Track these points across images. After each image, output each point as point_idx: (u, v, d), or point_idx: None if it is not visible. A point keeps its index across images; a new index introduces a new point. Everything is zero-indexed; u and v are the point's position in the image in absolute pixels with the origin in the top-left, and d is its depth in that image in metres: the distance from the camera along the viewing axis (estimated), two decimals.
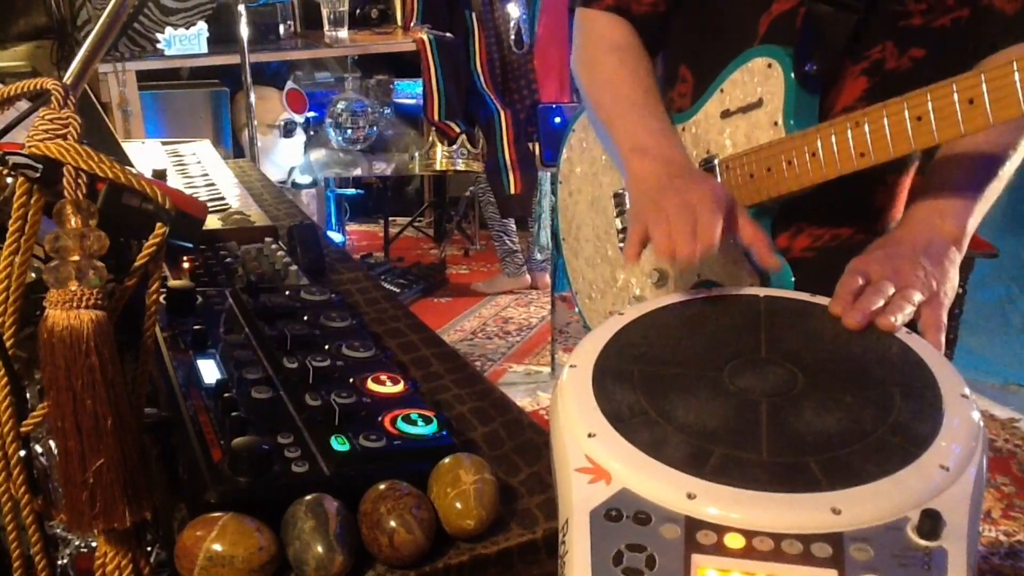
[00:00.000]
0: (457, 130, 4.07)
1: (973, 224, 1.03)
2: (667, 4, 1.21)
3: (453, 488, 0.76)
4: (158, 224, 0.71)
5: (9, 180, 0.70)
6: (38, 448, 0.78)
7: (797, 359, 0.79)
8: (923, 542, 0.60)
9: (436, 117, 4.10)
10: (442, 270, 4.63)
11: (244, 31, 3.57)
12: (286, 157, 4.16)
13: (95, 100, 1.98)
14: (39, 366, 0.68)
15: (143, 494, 0.69)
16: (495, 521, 0.78)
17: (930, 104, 0.93)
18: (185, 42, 3.75)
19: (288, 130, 4.11)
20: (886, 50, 1.09)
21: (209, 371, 0.92)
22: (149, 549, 0.78)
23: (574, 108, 3.27)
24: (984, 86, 0.89)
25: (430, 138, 4.18)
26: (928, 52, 1.09)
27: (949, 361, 0.78)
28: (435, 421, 0.84)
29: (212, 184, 1.73)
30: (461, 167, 4.16)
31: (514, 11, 4.06)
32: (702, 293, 0.93)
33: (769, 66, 1.08)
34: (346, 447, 0.79)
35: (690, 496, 0.64)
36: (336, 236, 4.56)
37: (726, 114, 1.14)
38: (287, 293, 1.10)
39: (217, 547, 0.68)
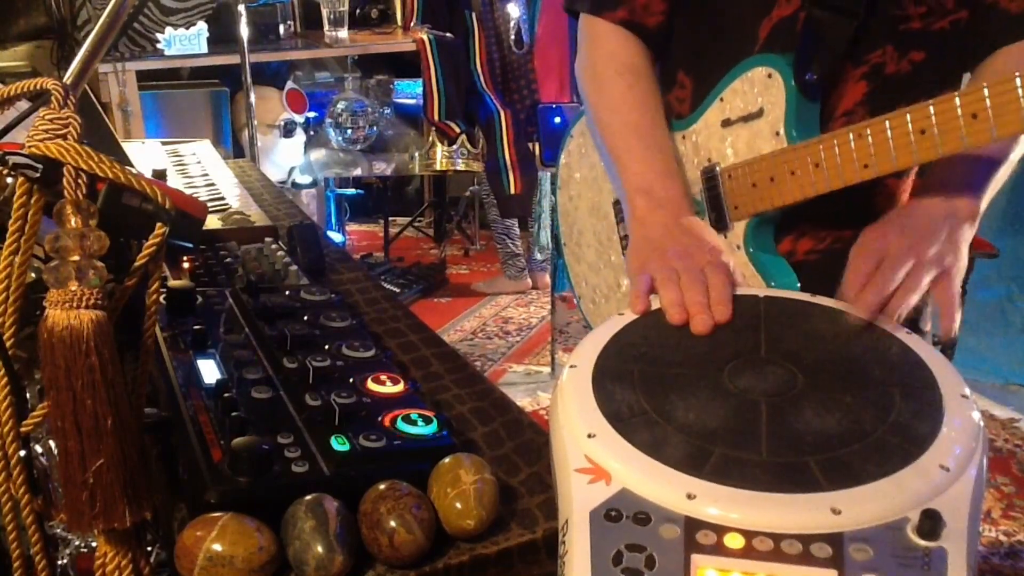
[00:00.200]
0: (457, 130, 4.08)
1: (984, 204, 1.03)
2: (673, 11, 1.19)
3: (453, 488, 0.76)
4: (158, 224, 0.71)
5: (9, 180, 0.70)
6: (38, 448, 0.78)
7: (797, 359, 0.79)
8: (923, 542, 0.60)
9: (436, 117, 4.10)
10: (442, 270, 4.63)
11: (244, 31, 3.56)
12: (286, 157, 4.16)
13: (95, 100, 1.99)
14: (39, 366, 0.68)
15: (143, 494, 0.69)
16: (495, 521, 0.78)
17: (934, 118, 0.92)
18: (185, 42, 3.75)
19: (288, 130, 4.11)
20: (886, 54, 1.08)
21: (209, 371, 0.92)
22: (149, 549, 0.78)
23: (574, 108, 3.27)
24: (987, 100, 0.88)
25: (430, 138, 4.18)
26: (928, 55, 1.08)
27: (949, 361, 0.78)
28: (435, 421, 0.84)
29: (212, 184, 1.73)
30: (461, 167, 4.16)
31: (514, 11, 4.06)
32: None
33: (769, 76, 1.08)
34: (346, 447, 0.79)
35: (690, 496, 0.64)
36: (336, 236, 4.57)
37: (727, 123, 1.14)
38: (287, 293, 1.10)
39: (217, 547, 0.68)
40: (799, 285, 1.07)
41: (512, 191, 4.09)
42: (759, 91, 1.09)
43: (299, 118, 4.14)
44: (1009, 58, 1.05)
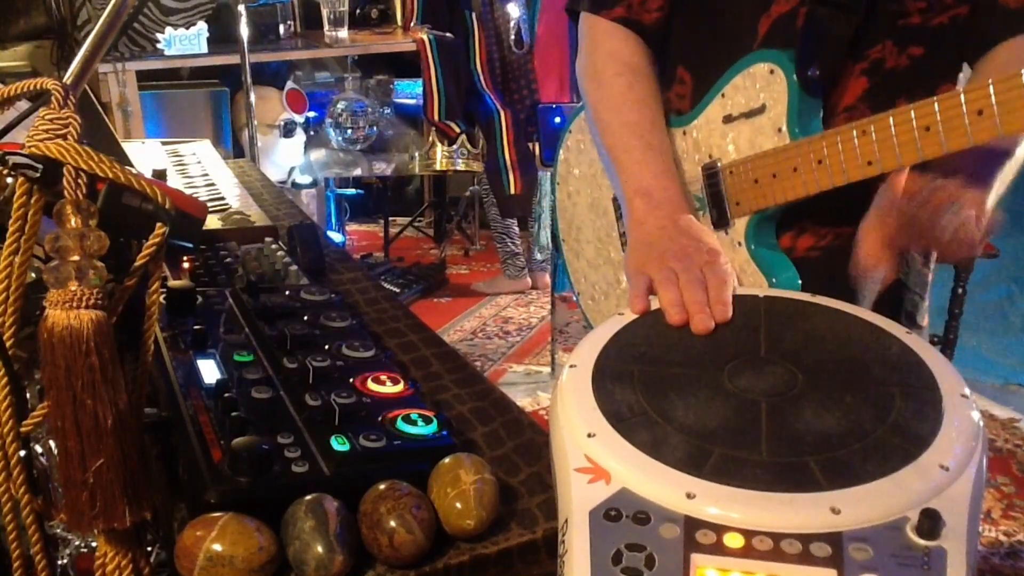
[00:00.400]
0: (457, 130, 4.08)
1: (992, 200, 1.03)
2: (672, 8, 1.20)
3: (453, 488, 0.76)
4: (158, 224, 0.71)
5: (9, 180, 0.70)
6: (38, 448, 0.78)
7: (797, 359, 0.79)
8: (922, 542, 0.60)
9: (436, 117, 4.10)
10: (442, 270, 4.63)
11: (244, 31, 3.57)
12: (286, 157, 4.16)
13: (95, 100, 1.99)
14: (39, 366, 0.68)
15: (143, 494, 0.69)
16: (495, 521, 0.78)
17: (938, 115, 0.92)
18: (185, 42, 3.75)
19: (288, 130, 4.11)
20: (885, 49, 1.09)
21: (209, 371, 0.92)
22: (149, 549, 0.78)
23: (574, 108, 3.27)
24: (993, 97, 0.88)
25: (430, 138, 4.18)
26: (927, 50, 1.09)
27: (949, 361, 0.78)
28: (435, 421, 0.84)
29: (212, 184, 1.73)
30: (461, 167, 4.16)
31: (514, 11, 4.06)
32: None
33: (771, 71, 1.08)
34: (346, 447, 0.79)
35: (689, 496, 0.64)
36: (336, 236, 4.57)
37: (728, 119, 1.13)
38: (287, 293, 1.10)
39: (217, 547, 0.68)
40: (800, 282, 1.07)
41: (512, 191, 4.09)
42: (761, 87, 1.09)
43: (299, 118, 4.14)
44: (1010, 53, 1.05)
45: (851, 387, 0.75)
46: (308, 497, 0.73)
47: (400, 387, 0.89)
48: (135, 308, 0.72)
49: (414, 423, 0.83)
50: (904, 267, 1.20)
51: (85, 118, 0.70)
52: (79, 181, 0.66)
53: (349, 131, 4.20)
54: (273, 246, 1.33)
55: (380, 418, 0.84)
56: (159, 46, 3.74)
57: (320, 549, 0.70)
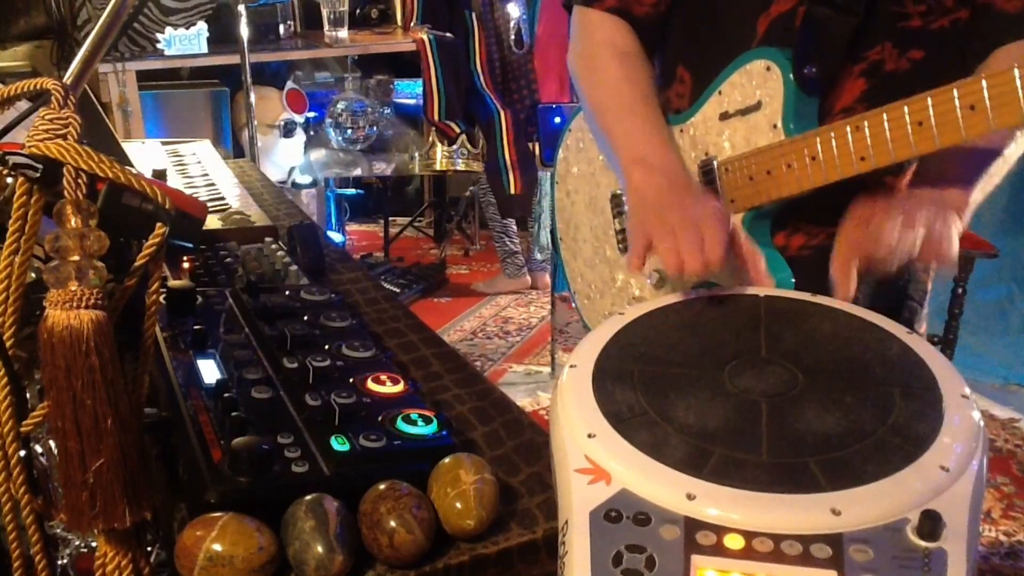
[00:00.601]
0: (457, 130, 4.07)
1: (977, 198, 1.04)
2: (667, 4, 1.21)
3: (453, 488, 0.76)
4: (158, 224, 0.71)
5: (9, 180, 0.70)
6: (38, 448, 0.78)
7: (797, 359, 0.79)
8: (923, 543, 0.60)
9: (436, 117, 4.10)
10: (442, 270, 4.63)
11: (244, 31, 3.56)
12: (286, 157, 4.16)
13: (95, 100, 1.98)
14: (39, 366, 0.68)
15: (143, 494, 0.69)
16: (495, 521, 0.78)
17: (931, 109, 0.92)
18: (185, 42, 3.75)
19: (288, 130, 4.11)
20: (885, 51, 1.09)
21: (209, 371, 0.92)
22: (149, 549, 0.78)
23: (574, 108, 3.27)
24: (985, 92, 0.89)
25: (430, 138, 4.17)
26: (927, 53, 1.09)
27: (949, 361, 0.78)
28: (435, 421, 0.84)
29: (212, 184, 1.73)
30: (461, 167, 4.16)
31: (514, 11, 4.06)
32: (702, 293, 0.93)
33: (768, 68, 1.08)
34: (346, 447, 0.79)
35: (690, 497, 0.64)
36: (336, 236, 4.56)
37: (724, 116, 1.14)
38: (287, 293, 1.10)
39: (217, 547, 0.68)
40: (794, 282, 1.07)
41: (512, 191, 4.09)
42: (757, 84, 1.09)
43: (299, 118, 4.14)
44: (1008, 57, 1.05)
45: (851, 387, 0.75)
46: (308, 497, 0.73)
47: (400, 387, 0.89)
48: (135, 308, 0.72)
49: (414, 423, 0.83)
50: (904, 276, 1.21)
51: (85, 118, 0.70)
52: (79, 181, 0.66)
53: (349, 131, 4.20)
54: (273, 246, 1.33)
55: (380, 418, 0.84)
56: (159, 46, 3.74)
57: (320, 549, 0.70)
